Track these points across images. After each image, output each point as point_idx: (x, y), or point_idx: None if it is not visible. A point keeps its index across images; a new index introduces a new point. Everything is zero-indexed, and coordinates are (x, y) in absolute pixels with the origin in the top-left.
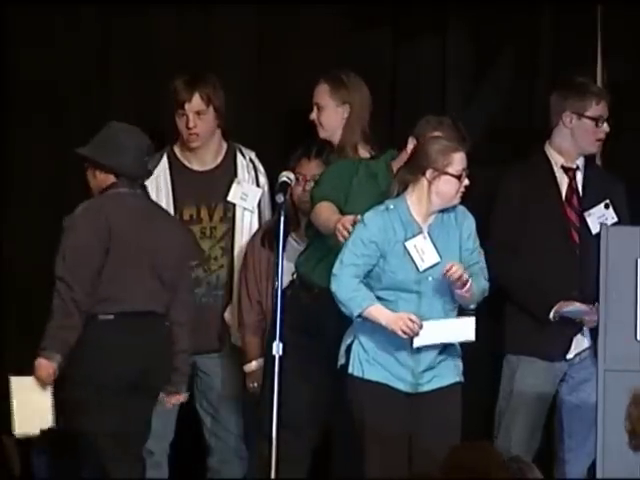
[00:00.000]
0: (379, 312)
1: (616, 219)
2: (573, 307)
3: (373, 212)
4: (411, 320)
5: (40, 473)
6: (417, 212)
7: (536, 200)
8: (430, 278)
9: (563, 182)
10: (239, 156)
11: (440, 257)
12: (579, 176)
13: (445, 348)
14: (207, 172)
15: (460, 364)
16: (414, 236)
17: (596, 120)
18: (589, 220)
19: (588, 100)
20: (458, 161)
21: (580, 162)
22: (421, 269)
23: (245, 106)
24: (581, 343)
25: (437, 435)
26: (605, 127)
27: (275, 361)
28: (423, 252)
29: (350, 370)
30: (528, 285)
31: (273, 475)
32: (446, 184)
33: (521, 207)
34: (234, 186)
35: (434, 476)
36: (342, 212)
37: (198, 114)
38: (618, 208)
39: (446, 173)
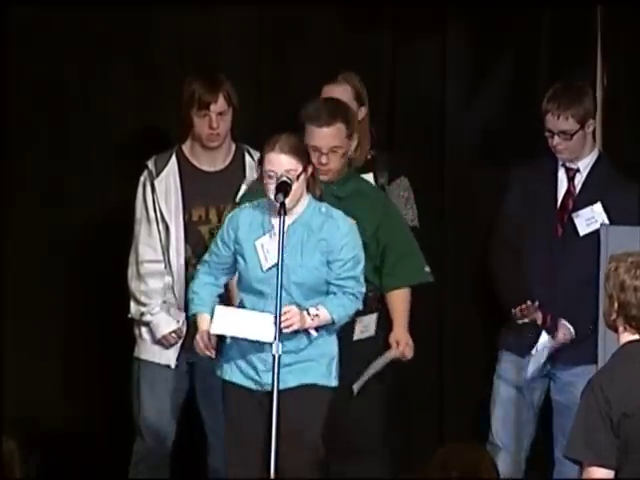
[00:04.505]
0: (199, 323)
1: (607, 222)
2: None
3: (238, 209)
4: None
5: (30, 473)
6: (274, 210)
7: (533, 199)
8: (274, 280)
9: (564, 183)
10: (247, 157)
11: (282, 257)
12: (578, 178)
13: (298, 349)
14: (216, 173)
15: (322, 367)
16: (264, 234)
17: (548, 131)
18: (577, 221)
19: (547, 108)
20: (265, 161)
21: (583, 164)
22: (264, 269)
23: (245, 106)
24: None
25: (287, 436)
26: (557, 141)
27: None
28: (268, 252)
29: (218, 373)
30: (510, 282)
31: (272, 475)
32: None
33: (521, 206)
34: (243, 187)
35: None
36: None
37: (220, 114)
38: (623, 211)
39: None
